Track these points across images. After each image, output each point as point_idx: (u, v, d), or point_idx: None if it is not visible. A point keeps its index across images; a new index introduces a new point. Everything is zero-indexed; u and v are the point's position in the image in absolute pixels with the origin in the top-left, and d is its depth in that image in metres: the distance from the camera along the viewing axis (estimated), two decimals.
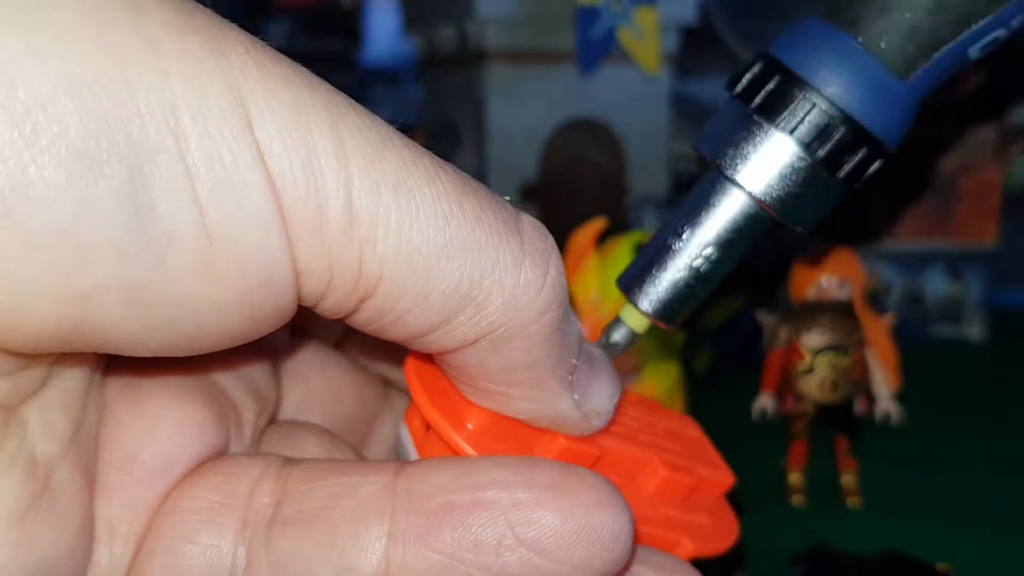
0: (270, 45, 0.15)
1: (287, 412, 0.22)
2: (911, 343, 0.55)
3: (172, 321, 0.14)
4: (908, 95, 0.20)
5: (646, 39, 0.73)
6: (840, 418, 0.45)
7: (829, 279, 0.44)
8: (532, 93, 0.73)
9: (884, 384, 0.47)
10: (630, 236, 0.46)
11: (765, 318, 0.47)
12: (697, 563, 0.19)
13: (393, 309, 0.15)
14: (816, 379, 0.44)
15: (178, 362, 0.18)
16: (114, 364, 0.17)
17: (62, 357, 0.15)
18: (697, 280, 0.21)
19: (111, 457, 0.16)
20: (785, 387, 0.46)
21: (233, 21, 0.14)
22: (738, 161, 0.20)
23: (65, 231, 0.12)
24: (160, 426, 0.17)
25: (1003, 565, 0.38)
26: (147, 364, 0.17)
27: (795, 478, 0.45)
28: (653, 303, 0.21)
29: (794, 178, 0.20)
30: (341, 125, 0.14)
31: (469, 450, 0.17)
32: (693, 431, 0.23)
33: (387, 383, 0.23)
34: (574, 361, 0.17)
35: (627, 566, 0.17)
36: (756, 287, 0.57)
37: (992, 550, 0.39)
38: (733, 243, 0.21)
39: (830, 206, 0.21)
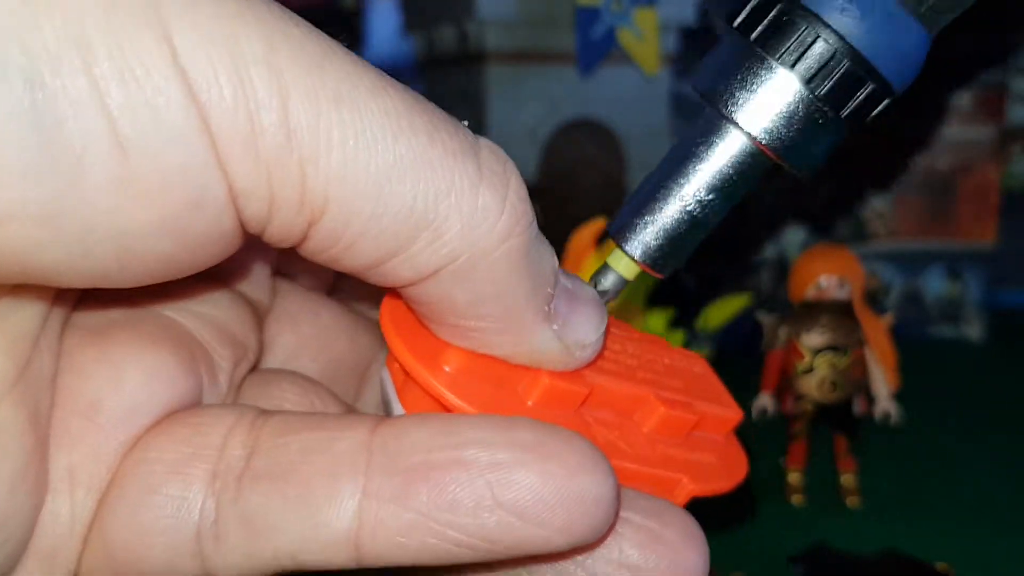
0: None
1: (277, 358, 0.21)
2: (910, 343, 0.55)
3: (95, 245, 0.13)
4: (924, 37, 0.19)
5: (646, 40, 0.73)
6: (839, 418, 0.45)
7: (828, 279, 0.44)
8: (532, 93, 0.74)
9: (883, 384, 0.47)
10: None
11: (765, 318, 0.47)
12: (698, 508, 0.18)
13: (344, 234, 0.14)
14: (815, 379, 0.44)
15: (144, 310, 0.17)
16: (78, 312, 0.17)
17: (0, 294, 0.15)
18: (692, 226, 0.20)
19: (72, 404, 0.16)
20: (784, 387, 0.46)
21: None
22: (737, 100, 0.19)
23: None
24: (125, 373, 0.16)
25: (1002, 565, 0.38)
26: (111, 312, 0.17)
27: (794, 478, 0.45)
28: (644, 249, 0.20)
29: (795, 119, 0.19)
30: (275, 34, 0.13)
31: (447, 394, 0.16)
32: (699, 367, 0.22)
33: None
34: (549, 291, 0.16)
35: (611, 528, 0.16)
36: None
37: (991, 550, 0.39)
38: (730, 187, 0.20)
39: (832, 147, 0.20)
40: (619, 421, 0.18)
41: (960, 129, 0.70)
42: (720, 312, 0.61)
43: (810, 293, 0.45)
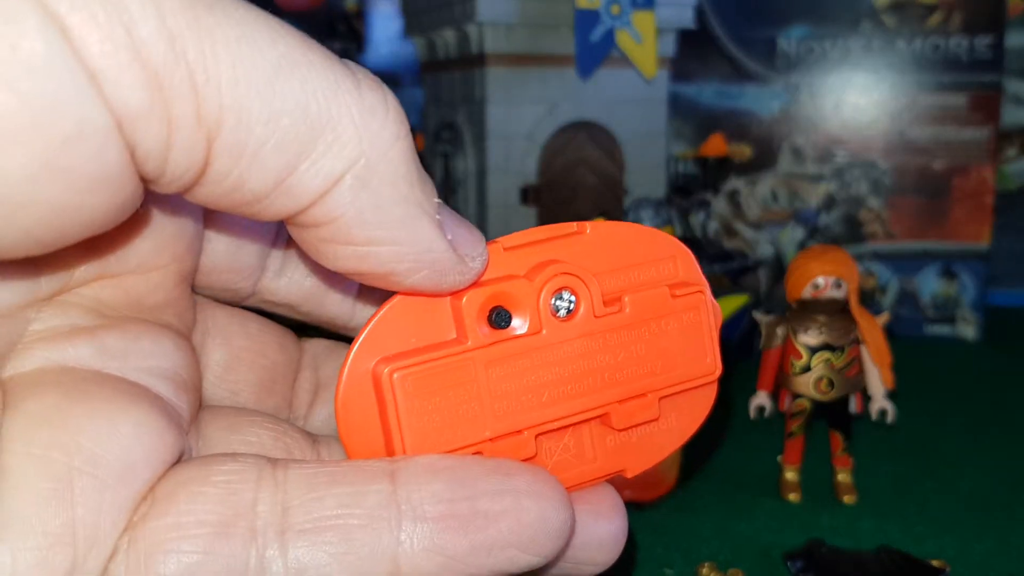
0: None
1: (213, 373, 0.22)
2: (906, 342, 0.55)
3: None
4: None
5: (644, 42, 0.73)
6: (835, 416, 0.46)
7: (825, 279, 0.45)
8: (531, 95, 0.74)
9: (879, 382, 0.47)
10: None
11: (762, 318, 0.47)
12: None
13: (247, 143, 0.14)
14: (812, 377, 0.45)
15: (109, 377, 0.17)
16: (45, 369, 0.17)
17: None
18: None
19: (70, 459, 0.15)
20: (781, 385, 0.46)
21: None
22: None
23: None
24: (118, 428, 0.16)
25: (997, 561, 0.39)
26: (83, 372, 0.17)
27: (791, 475, 0.46)
28: None
29: None
30: None
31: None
32: (690, 313, 0.21)
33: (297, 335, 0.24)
34: (436, 200, 0.17)
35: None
36: None
37: (986, 546, 0.40)
38: None
39: None
40: (568, 438, 0.20)
41: (955, 130, 0.71)
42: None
43: (807, 293, 0.45)
